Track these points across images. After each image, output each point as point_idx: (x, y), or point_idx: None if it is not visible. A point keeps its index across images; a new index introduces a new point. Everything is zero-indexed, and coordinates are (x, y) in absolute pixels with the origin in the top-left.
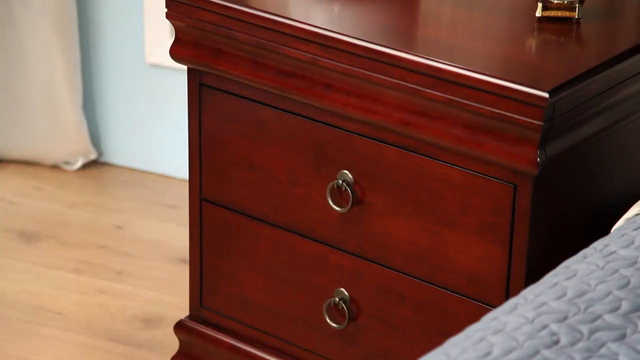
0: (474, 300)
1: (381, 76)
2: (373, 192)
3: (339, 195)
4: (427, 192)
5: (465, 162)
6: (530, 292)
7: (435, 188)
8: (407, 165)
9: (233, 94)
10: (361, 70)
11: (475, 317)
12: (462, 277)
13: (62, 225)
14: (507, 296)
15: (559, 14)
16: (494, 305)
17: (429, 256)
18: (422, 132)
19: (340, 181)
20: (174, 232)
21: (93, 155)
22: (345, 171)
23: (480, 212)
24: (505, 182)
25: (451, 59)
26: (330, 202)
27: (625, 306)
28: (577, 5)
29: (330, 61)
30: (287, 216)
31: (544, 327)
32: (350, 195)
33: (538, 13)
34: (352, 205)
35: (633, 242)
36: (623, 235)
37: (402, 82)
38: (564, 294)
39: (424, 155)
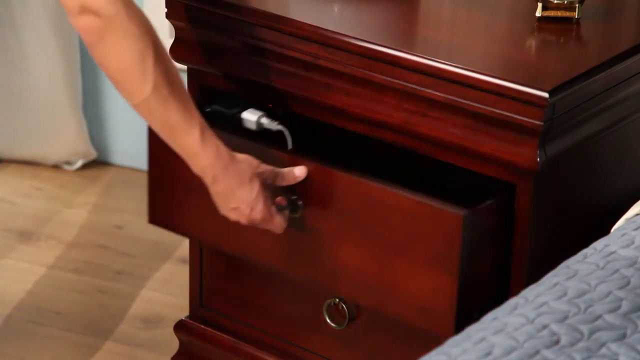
0: (423, 330)
1: (381, 76)
2: (323, 218)
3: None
4: (376, 219)
5: (465, 161)
6: (530, 292)
7: (385, 216)
8: (355, 192)
9: (233, 94)
10: (361, 70)
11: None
12: (412, 307)
13: (62, 225)
14: (456, 328)
15: (559, 14)
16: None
17: (378, 285)
18: (422, 132)
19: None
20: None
21: (93, 155)
22: (294, 197)
23: (430, 241)
24: (505, 181)
25: (451, 59)
26: None
27: (625, 306)
28: (577, 5)
29: (330, 61)
30: (236, 241)
31: (544, 327)
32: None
33: (538, 13)
34: (302, 232)
35: (633, 242)
36: (623, 235)
37: (402, 82)
38: (564, 294)
39: (424, 155)
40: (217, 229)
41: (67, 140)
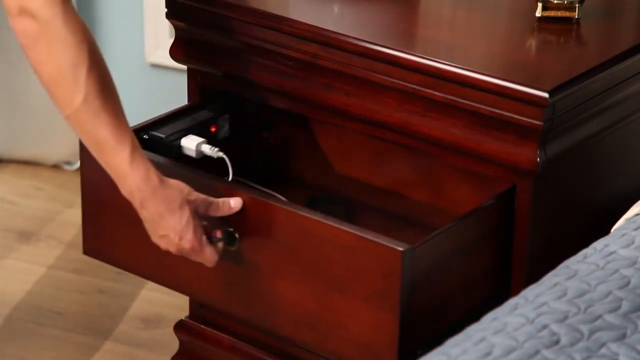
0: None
1: (381, 76)
2: (260, 252)
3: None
4: (314, 254)
5: (465, 161)
6: (530, 292)
7: (324, 250)
8: (293, 226)
9: (233, 94)
10: (361, 70)
11: None
12: (352, 345)
13: (62, 225)
14: None
15: (559, 14)
16: None
17: (318, 321)
18: (422, 132)
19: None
20: None
21: None
22: (230, 229)
23: (370, 277)
24: (505, 181)
25: (451, 59)
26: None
27: (625, 306)
28: (577, 5)
29: (330, 61)
30: (172, 275)
31: (544, 327)
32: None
33: (538, 13)
34: (239, 265)
35: (633, 242)
36: (623, 235)
37: (402, 82)
38: (564, 294)
39: (425, 152)
40: (152, 261)
41: (67, 140)
